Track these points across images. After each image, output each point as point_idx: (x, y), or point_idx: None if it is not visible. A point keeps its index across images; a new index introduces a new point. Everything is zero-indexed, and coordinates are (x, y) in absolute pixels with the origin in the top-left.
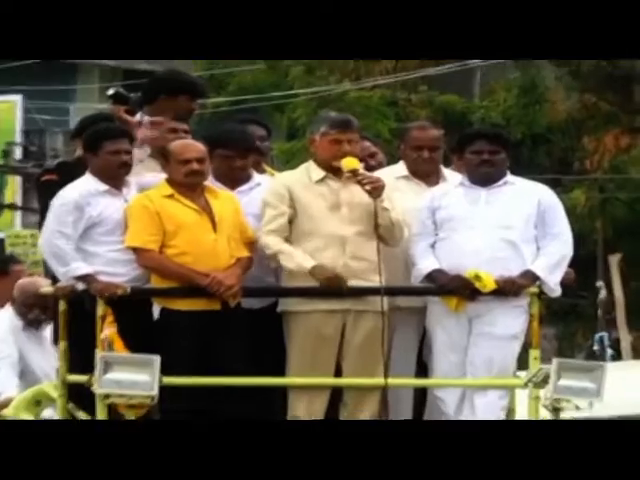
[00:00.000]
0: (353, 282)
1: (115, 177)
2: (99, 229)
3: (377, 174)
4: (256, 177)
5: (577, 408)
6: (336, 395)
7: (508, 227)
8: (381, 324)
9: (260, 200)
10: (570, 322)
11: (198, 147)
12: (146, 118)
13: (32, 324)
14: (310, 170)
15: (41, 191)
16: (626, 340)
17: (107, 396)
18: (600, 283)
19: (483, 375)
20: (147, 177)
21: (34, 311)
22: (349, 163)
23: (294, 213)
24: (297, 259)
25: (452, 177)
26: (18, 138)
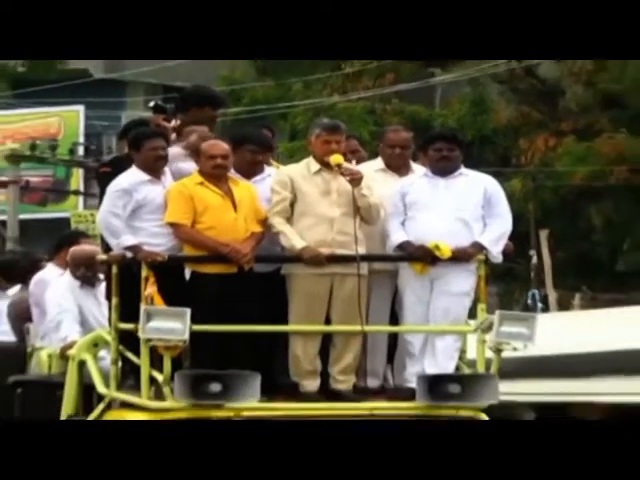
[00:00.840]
0: (339, 251)
1: (154, 169)
2: (144, 209)
3: (360, 167)
4: (267, 169)
5: (514, 349)
6: (327, 340)
7: (461, 209)
8: (360, 284)
9: (269, 187)
10: (509, 282)
11: (223, 146)
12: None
13: (87, 282)
14: (309, 164)
15: (99, 180)
16: (552, 296)
17: (149, 340)
18: (532, 252)
19: (442, 323)
20: (184, 165)
21: (81, 269)
22: (335, 159)
23: (294, 198)
24: (292, 240)
25: (418, 169)
26: (81, 139)
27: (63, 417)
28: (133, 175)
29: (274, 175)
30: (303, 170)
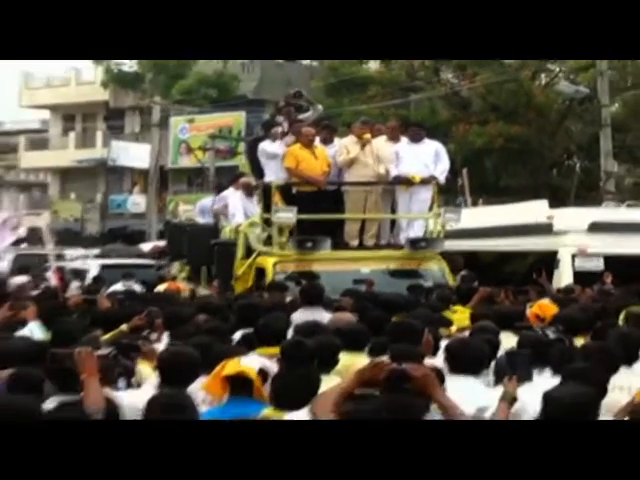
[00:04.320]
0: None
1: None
2: (275, 160)
3: (378, 139)
4: (335, 141)
5: (451, 226)
6: (363, 222)
7: (425, 159)
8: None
9: (334, 151)
10: (448, 195)
11: (310, 130)
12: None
13: (248, 195)
14: (352, 139)
15: (250, 147)
16: (469, 201)
17: (275, 221)
18: (459, 180)
19: (416, 213)
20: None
21: (245, 189)
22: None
23: (347, 153)
24: (345, 161)
25: (404, 139)
26: (243, 134)
27: (236, 272)
28: (271, 145)
29: (337, 143)
30: (351, 140)
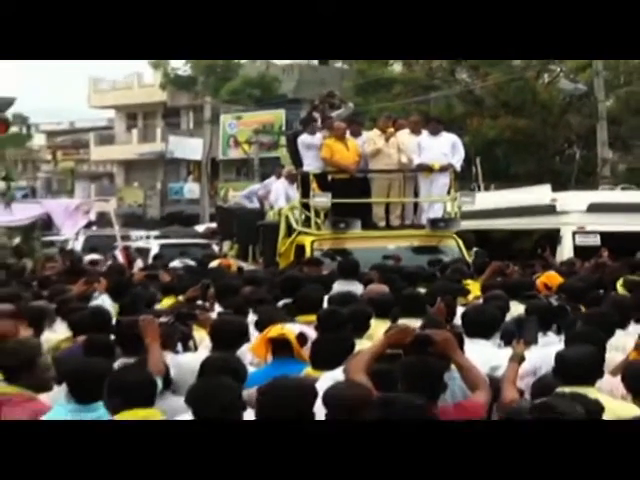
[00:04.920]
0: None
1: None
2: (312, 152)
3: (402, 132)
4: (363, 134)
5: (467, 207)
6: (388, 205)
7: (443, 149)
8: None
9: (362, 143)
10: (463, 182)
11: (342, 125)
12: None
13: (291, 182)
14: (377, 132)
15: (289, 140)
16: (482, 187)
17: (312, 205)
18: (473, 168)
19: (435, 196)
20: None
21: (287, 177)
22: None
23: (374, 144)
24: (372, 150)
25: (424, 132)
26: (284, 129)
27: (279, 249)
28: (308, 138)
29: (365, 136)
30: (376, 134)
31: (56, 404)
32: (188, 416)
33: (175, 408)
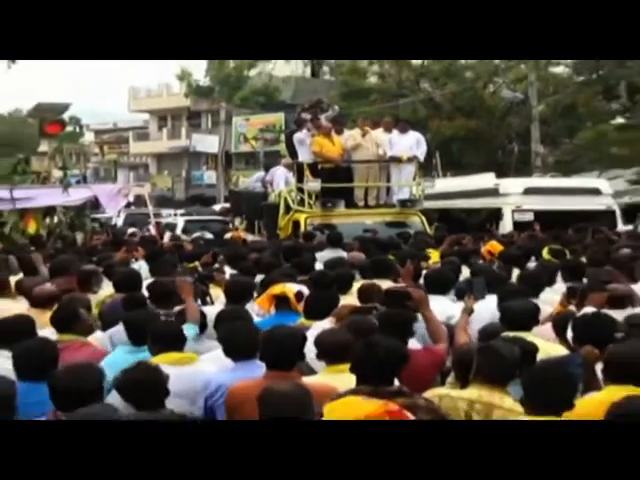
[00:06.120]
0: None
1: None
2: (304, 146)
3: (376, 131)
4: (345, 132)
5: (429, 189)
6: (367, 189)
7: (409, 144)
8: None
9: (345, 139)
10: (424, 170)
11: (329, 125)
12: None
13: (290, 170)
14: (358, 130)
15: (287, 137)
16: (440, 174)
17: (306, 190)
18: (434, 160)
19: (403, 181)
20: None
21: (286, 166)
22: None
23: (354, 140)
24: (352, 144)
25: (395, 131)
26: (283, 128)
27: (279, 224)
28: (301, 135)
29: (347, 134)
30: (357, 132)
31: (117, 349)
32: (218, 353)
33: (208, 347)
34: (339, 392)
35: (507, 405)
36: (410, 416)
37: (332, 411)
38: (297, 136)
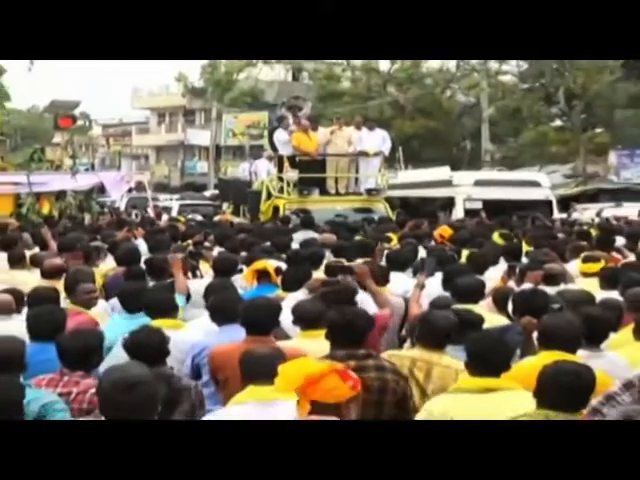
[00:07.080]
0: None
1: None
2: (284, 141)
3: (348, 128)
4: (320, 129)
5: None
6: (337, 180)
7: (377, 141)
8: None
9: (321, 135)
10: (390, 162)
11: (307, 123)
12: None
13: (270, 162)
14: (332, 126)
15: (269, 133)
16: (403, 167)
17: (284, 179)
18: (397, 154)
19: (370, 172)
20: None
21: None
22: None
23: (330, 135)
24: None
25: (364, 129)
26: (267, 125)
27: (262, 209)
28: (282, 132)
29: (322, 131)
30: (331, 129)
31: (113, 315)
32: (202, 320)
33: (192, 315)
34: (316, 356)
35: (445, 362)
36: (354, 376)
37: (283, 370)
38: (278, 133)
